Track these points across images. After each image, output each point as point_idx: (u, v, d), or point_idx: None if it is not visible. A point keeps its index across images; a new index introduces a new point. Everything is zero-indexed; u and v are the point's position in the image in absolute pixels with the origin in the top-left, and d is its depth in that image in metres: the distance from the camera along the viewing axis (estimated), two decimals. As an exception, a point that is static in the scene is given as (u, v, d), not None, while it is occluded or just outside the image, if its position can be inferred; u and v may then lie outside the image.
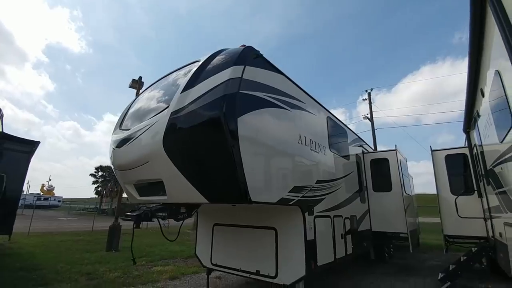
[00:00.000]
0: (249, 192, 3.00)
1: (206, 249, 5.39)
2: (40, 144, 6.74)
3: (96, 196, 40.34)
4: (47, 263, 7.39)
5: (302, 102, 4.68)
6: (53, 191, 64.96)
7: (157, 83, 4.43)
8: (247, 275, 4.55)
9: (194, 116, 3.02)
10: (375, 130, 19.55)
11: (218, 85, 3.13)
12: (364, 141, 8.98)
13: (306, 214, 4.26)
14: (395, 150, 8.05)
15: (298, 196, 4.07)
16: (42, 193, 60.18)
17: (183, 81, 3.40)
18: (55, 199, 56.13)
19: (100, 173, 38.26)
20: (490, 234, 6.31)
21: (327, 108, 6.01)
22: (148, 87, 4.61)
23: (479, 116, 5.60)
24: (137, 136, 3.42)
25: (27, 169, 5.77)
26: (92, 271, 6.79)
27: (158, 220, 3.55)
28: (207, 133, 2.99)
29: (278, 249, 4.28)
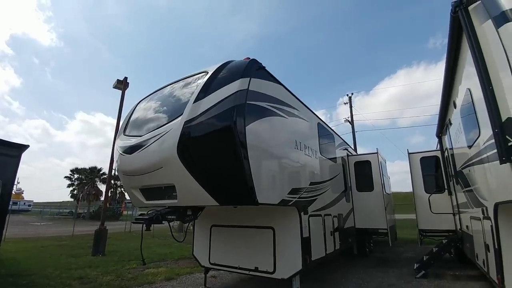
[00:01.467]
0: (256, 195, 3.31)
1: (204, 250, 5.61)
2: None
3: (71, 200, 38.49)
4: (34, 268, 7.20)
5: (297, 109, 5.06)
6: (22, 194, 60.98)
7: (160, 90, 4.61)
8: (246, 272, 4.84)
9: (207, 125, 3.29)
10: (355, 133, 20.53)
11: (228, 96, 3.41)
12: (348, 145, 9.60)
13: (302, 213, 4.64)
14: (377, 153, 8.70)
15: (295, 197, 4.44)
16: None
17: (194, 91, 3.65)
18: (24, 203, 52.81)
19: (76, 176, 36.58)
20: (458, 227, 7.09)
21: (316, 113, 6.44)
22: (151, 94, 4.77)
23: (451, 123, 6.30)
24: (150, 143, 3.61)
25: (16, 173, 5.66)
26: (84, 275, 6.74)
27: (169, 223, 3.75)
28: (219, 140, 3.27)
29: (276, 247, 4.62)
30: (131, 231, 17.60)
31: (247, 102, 3.51)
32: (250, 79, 3.70)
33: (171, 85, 4.44)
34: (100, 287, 5.75)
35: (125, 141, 4.12)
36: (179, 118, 3.48)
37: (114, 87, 12.96)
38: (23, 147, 5.97)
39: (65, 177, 36.50)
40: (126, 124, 4.55)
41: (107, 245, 10.51)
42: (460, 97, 4.84)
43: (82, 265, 7.92)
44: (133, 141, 3.92)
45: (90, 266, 7.84)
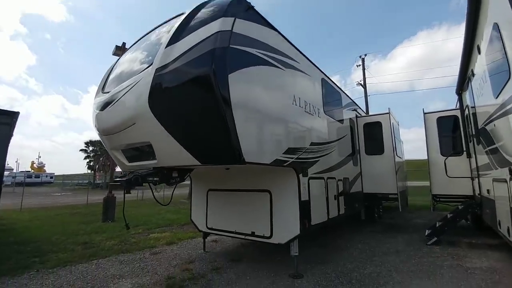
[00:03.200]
0: (243, 153, 2.90)
1: (201, 214, 5.44)
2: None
3: (89, 171, 40.05)
4: (42, 236, 7.38)
5: (296, 61, 4.44)
6: (44, 168, 64.16)
7: (138, 42, 4.09)
8: (242, 236, 4.63)
9: (180, 73, 2.80)
10: (368, 97, 19.44)
11: (206, 38, 2.87)
12: (357, 105, 8.90)
13: (301, 175, 4.24)
14: (388, 113, 8.01)
15: (292, 158, 4.01)
16: (32, 171, 59.46)
17: (167, 36, 3.10)
18: (47, 176, 55.71)
19: (91, 148, 37.60)
20: (477, 192, 6.55)
21: (322, 69, 5.78)
22: (130, 47, 4.26)
23: (473, 75, 5.51)
24: (120, 97, 3.20)
25: (9, 141, 5.47)
26: (88, 240, 6.84)
27: (150, 185, 3.46)
28: (196, 92, 2.80)
29: (272, 211, 4.33)
30: (143, 199, 18.10)
31: (231, 46, 2.96)
32: (234, 19, 3.11)
33: (152, 32, 3.88)
34: (101, 252, 5.77)
35: (100, 98, 3.71)
36: (150, 67, 2.98)
37: (113, 54, 12.44)
38: (14, 114, 5.73)
39: (81, 150, 37.63)
40: (105, 81, 4.11)
41: (118, 212, 10.72)
42: (485, 38, 4.08)
43: (90, 231, 8.08)
44: (106, 96, 3.50)
45: (97, 232, 7.98)
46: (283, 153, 3.78)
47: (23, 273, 4.46)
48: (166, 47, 2.97)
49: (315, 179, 4.79)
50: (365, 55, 21.19)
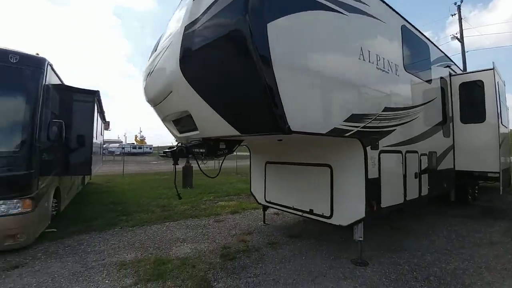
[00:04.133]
0: (288, 121, 2.43)
1: (260, 187, 5.30)
2: (100, 93, 7.27)
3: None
4: (133, 198, 8.67)
5: (365, 4, 3.50)
6: (145, 140, 76.78)
7: None
8: (300, 213, 4.28)
9: (209, 29, 2.42)
10: (466, 53, 15.39)
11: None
12: (451, 60, 6.96)
13: (369, 148, 3.51)
14: (493, 69, 6.01)
15: (357, 127, 3.30)
16: (136, 143, 72.27)
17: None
18: (147, 147, 66.66)
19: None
20: None
21: (402, 15, 4.54)
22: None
23: None
24: (156, 63, 3.06)
25: (93, 116, 6.31)
26: (167, 204, 7.67)
27: (195, 157, 3.38)
28: (226, 49, 2.38)
29: (333, 188, 3.79)
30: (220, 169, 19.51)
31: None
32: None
33: None
34: (174, 215, 6.36)
35: (146, 66, 3.65)
36: (180, 26, 2.68)
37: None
38: (95, 93, 6.53)
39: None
40: (156, 47, 4.01)
41: (195, 179, 11.73)
42: None
43: (170, 195, 9.08)
44: (148, 63, 3.40)
45: (175, 197, 8.90)
46: (344, 121, 3.12)
47: (109, 229, 5.26)
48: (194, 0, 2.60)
49: (388, 152, 3.95)
50: (461, 1, 16.62)
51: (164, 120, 3.72)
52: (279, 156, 4.81)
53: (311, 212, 4.10)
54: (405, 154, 4.37)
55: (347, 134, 3.19)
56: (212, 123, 2.79)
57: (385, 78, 3.85)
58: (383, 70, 3.79)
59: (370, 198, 3.45)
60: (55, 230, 5.04)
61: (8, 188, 4.03)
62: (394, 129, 4.08)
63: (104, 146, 39.76)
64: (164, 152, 3.23)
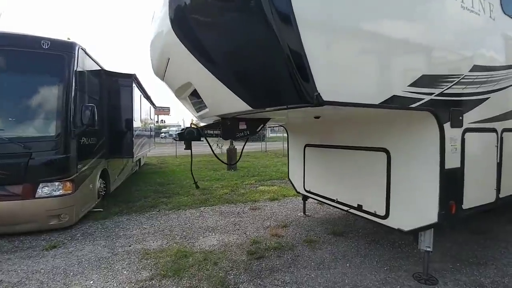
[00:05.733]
0: (317, 88, 1.65)
1: (298, 174, 4.58)
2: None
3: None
4: (179, 179, 8.82)
5: None
6: (200, 124, 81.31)
7: None
8: (346, 208, 3.46)
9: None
10: None
11: None
12: None
13: (447, 125, 2.46)
14: None
15: (430, 94, 2.28)
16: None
17: None
18: (201, 131, 70.62)
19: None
20: None
21: None
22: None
23: None
24: (154, 26, 2.51)
25: (131, 99, 6.30)
26: (208, 186, 7.53)
27: (207, 139, 2.81)
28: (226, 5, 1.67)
29: (391, 180, 2.85)
30: (266, 151, 19.17)
31: None
32: None
33: None
34: (211, 200, 6.11)
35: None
36: None
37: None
38: (131, 76, 6.51)
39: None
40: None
41: (241, 162, 11.55)
42: None
43: (214, 178, 9.02)
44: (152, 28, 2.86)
45: (218, 179, 8.80)
46: (409, 86, 2.14)
47: (147, 211, 5.23)
48: None
49: (477, 131, 2.79)
50: None
51: (178, 97, 3.24)
52: (320, 137, 3.98)
53: (359, 208, 3.24)
54: (502, 133, 3.10)
55: (413, 105, 2.20)
56: (217, 96, 2.16)
57: (472, 23, 2.63)
58: (472, 11, 2.57)
59: (447, 197, 2.44)
60: (102, 210, 5.23)
61: (49, 172, 4.18)
62: (487, 98, 2.85)
63: (165, 130, 43.04)
64: (179, 135, 2.75)
